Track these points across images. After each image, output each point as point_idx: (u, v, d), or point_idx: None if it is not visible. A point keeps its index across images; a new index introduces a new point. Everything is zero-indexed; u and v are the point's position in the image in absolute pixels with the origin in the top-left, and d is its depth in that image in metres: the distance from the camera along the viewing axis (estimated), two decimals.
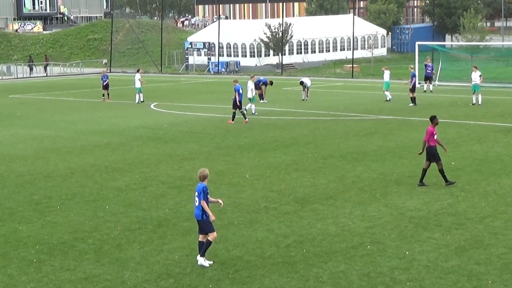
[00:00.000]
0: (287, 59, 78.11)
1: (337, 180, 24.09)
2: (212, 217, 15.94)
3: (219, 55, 79.08)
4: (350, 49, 79.15)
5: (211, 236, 15.94)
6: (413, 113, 40.10)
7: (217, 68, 77.92)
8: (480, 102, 43.38)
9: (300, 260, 16.23)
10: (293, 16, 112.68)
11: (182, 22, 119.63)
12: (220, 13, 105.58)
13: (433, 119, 23.04)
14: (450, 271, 15.32)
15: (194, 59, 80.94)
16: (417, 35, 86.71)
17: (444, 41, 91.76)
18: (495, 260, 15.97)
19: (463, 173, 24.58)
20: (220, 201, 16.57)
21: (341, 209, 20.36)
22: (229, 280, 15.15)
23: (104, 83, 50.89)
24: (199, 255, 16.03)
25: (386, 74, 46.77)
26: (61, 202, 21.90)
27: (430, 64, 51.70)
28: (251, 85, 41.15)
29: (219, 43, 79.09)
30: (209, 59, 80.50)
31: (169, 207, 21.07)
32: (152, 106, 46.89)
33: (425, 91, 51.76)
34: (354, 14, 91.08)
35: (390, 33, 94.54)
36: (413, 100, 44.18)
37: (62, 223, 19.58)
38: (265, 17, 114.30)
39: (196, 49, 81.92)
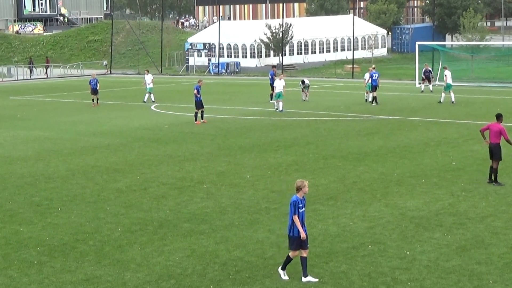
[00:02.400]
0: (287, 60, 78.10)
1: (338, 180, 24.08)
2: (302, 234, 14.77)
3: (219, 56, 79.09)
4: (350, 50, 79.14)
5: (291, 253, 15.03)
6: (414, 113, 40.10)
7: (217, 69, 77.92)
8: (448, 100, 44.51)
9: None
10: (293, 16, 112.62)
11: (182, 23, 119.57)
12: (220, 14, 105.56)
13: (499, 117, 23.03)
14: (451, 271, 15.31)
15: (195, 60, 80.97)
16: (417, 35, 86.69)
17: (444, 41, 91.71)
18: (496, 259, 15.97)
19: (464, 173, 24.57)
20: (303, 234, 14.85)
21: (342, 210, 20.36)
22: (230, 281, 15.15)
23: (93, 88, 48.71)
24: (302, 277, 14.98)
25: (368, 75, 46.85)
26: (62, 203, 21.90)
27: (427, 69, 52.20)
28: (282, 82, 42.74)
29: (219, 44, 79.09)
30: (209, 60, 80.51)
31: (169, 208, 21.07)
32: (152, 107, 46.90)
33: (422, 91, 51.79)
34: (354, 14, 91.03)
35: (390, 33, 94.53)
36: (373, 98, 45.08)
37: (63, 225, 19.58)
38: (265, 18, 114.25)
39: (196, 50, 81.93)
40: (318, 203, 21.12)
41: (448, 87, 44.72)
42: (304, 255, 15.02)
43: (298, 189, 15.04)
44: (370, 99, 46.07)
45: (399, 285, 14.67)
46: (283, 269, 15.21)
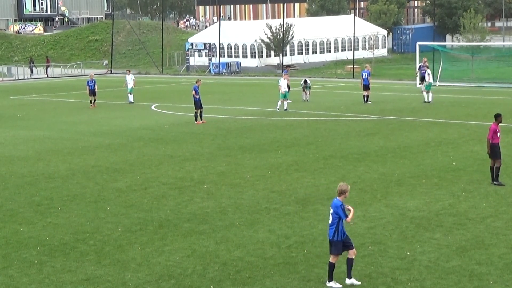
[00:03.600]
0: (288, 60, 78.10)
1: (338, 180, 23.98)
2: (350, 217, 14.62)
3: (220, 56, 79.09)
4: (351, 50, 79.12)
5: (332, 258, 14.75)
6: (414, 114, 40.10)
7: (218, 69, 77.92)
8: (431, 99, 45.44)
9: (301, 260, 16.23)
10: (294, 16, 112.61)
11: (184, 23, 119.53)
12: (221, 14, 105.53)
13: (497, 117, 23.03)
14: (451, 272, 15.31)
15: (195, 60, 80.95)
16: (418, 35, 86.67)
17: (445, 41, 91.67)
18: (496, 260, 15.97)
19: (464, 173, 24.57)
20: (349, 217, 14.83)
21: None
22: (230, 281, 15.15)
23: (91, 89, 47.73)
24: (346, 278, 14.82)
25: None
26: (62, 203, 21.91)
27: (424, 65, 51.94)
28: (286, 82, 43.21)
29: (220, 44, 79.10)
30: (210, 60, 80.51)
31: (170, 208, 21.07)
32: (153, 107, 46.90)
33: (422, 91, 51.63)
34: (354, 15, 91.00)
35: (391, 33, 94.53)
36: (366, 97, 46.02)
37: (63, 224, 19.58)
38: (266, 18, 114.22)
39: (197, 50, 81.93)
40: (318, 203, 21.12)
41: (428, 86, 45.68)
42: (352, 256, 14.83)
43: (343, 192, 14.72)
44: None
45: (400, 285, 14.67)
46: (330, 280, 14.75)
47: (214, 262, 16.24)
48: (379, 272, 15.40)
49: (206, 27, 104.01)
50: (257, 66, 78.75)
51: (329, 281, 14.81)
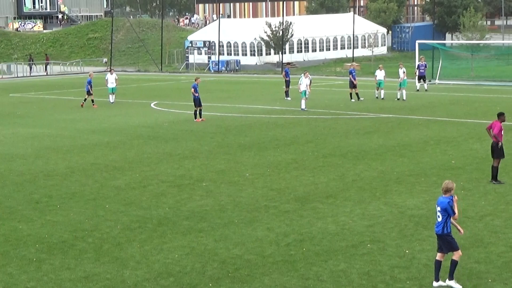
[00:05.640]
0: (287, 58, 78.07)
1: (337, 178, 24.08)
2: (461, 231, 14.77)
3: (219, 53, 79.06)
4: (350, 48, 79.18)
5: (456, 255, 14.45)
6: (413, 112, 40.10)
7: (217, 67, 77.91)
8: (404, 98, 46.10)
9: (300, 258, 16.23)
10: (294, 14, 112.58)
11: (183, 21, 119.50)
12: (221, 12, 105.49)
13: (500, 115, 22.90)
14: None
15: (195, 58, 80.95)
16: (418, 33, 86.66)
17: (445, 39, 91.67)
18: (495, 258, 15.96)
19: (463, 172, 24.57)
20: (461, 230, 14.94)
21: (341, 208, 20.35)
22: (229, 278, 15.15)
23: (91, 87, 46.07)
24: (447, 279, 14.50)
25: (381, 73, 47.32)
26: (61, 201, 21.90)
27: (423, 63, 51.83)
28: (307, 81, 43.05)
29: (219, 41, 79.07)
30: (209, 57, 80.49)
31: (169, 206, 21.07)
32: (152, 105, 46.88)
33: (417, 90, 51.62)
34: (354, 13, 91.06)
35: (390, 31, 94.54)
36: (351, 95, 46.91)
37: (62, 222, 19.58)
38: (266, 16, 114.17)
39: (196, 48, 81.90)
40: (317, 201, 21.12)
41: (403, 84, 46.32)
42: (442, 259, 14.65)
43: (449, 190, 14.52)
44: (382, 96, 46.56)
45: (398, 283, 14.67)
46: (451, 278, 14.48)
47: (213, 260, 16.24)
48: (378, 270, 15.40)
49: (205, 25, 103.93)
50: (256, 64, 78.74)
51: (449, 279, 14.53)
